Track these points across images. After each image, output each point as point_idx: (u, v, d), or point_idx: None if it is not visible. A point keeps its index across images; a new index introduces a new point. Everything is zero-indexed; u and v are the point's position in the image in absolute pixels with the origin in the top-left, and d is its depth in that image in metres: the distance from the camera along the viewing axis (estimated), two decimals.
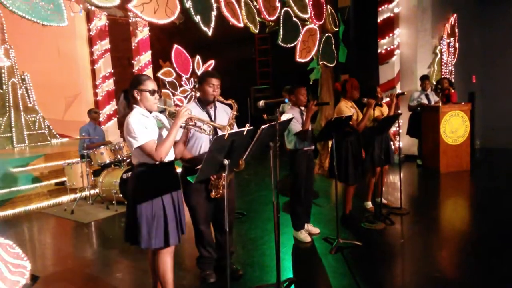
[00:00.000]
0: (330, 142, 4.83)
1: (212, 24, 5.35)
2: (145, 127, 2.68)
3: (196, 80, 8.86)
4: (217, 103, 3.45)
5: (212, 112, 3.41)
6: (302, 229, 4.44)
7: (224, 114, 3.42)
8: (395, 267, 3.90)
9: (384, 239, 4.45)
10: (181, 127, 2.83)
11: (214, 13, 5.35)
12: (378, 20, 8.77)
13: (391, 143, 5.45)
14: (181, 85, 10.17)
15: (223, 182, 3.15)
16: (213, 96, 3.29)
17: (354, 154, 4.66)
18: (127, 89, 2.82)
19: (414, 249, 4.19)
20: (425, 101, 7.78)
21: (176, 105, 9.22)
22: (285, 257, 3.98)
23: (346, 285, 3.42)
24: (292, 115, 4.06)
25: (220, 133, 3.24)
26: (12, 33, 8.80)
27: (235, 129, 3.34)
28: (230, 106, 3.26)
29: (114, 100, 9.96)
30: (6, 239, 3.71)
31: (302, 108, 4.34)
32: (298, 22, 6.88)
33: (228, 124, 3.14)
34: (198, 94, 3.49)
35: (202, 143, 3.30)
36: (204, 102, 3.38)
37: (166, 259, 2.87)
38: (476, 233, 4.58)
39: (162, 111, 3.22)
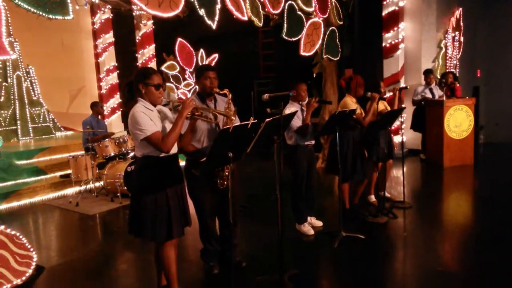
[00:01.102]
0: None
1: (216, 18, 5.34)
2: (150, 119, 2.70)
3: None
4: (217, 96, 3.47)
5: (212, 105, 3.43)
6: (305, 222, 4.47)
7: (224, 105, 3.44)
8: (397, 260, 3.92)
9: (387, 233, 4.47)
10: (187, 118, 2.85)
11: (218, 6, 5.34)
12: (383, 14, 8.73)
13: (392, 138, 5.46)
14: (184, 79, 10.19)
15: (226, 173, 3.19)
16: (211, 88, 3.33)
17: (354, 151, 4.67)
18: (132, 81, 2.83)
19: (416, 243, 4.21)
20: (429, 95, 7.76)
21: (180, 99, 9.23)
22: (288, 250, 4.00)
23: (349, 278, 3.45)
24: (296, 109, 4.07)
25: (222, 122, 3.28)
26: (17, 26, 8.81)
27: (237, 119, 3.36)
28: (226, 95, 3.29)
29: (118, 93, 9.99)
30: (12, 230, 3.75)
31: (302, 103, 4.34)
32: (302, 15, 6.86)
33: (231, 109, 3.17)
34: (197, 88, 3.52)
35: (206, 136, 3.32)
36: (204, 96, 3.41)
37: (170, 251, 2.90)
38: (479, 227, 4.59)
39: (166, 104, 3.24)
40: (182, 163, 3.18)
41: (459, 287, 3.26)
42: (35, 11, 3.78)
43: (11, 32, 8.79)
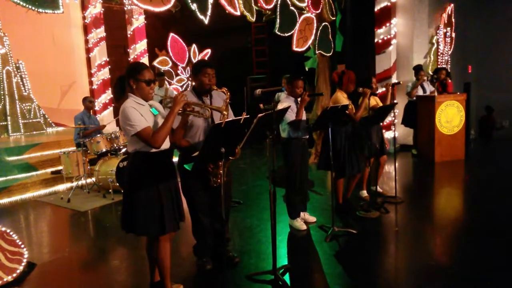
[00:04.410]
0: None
1: (209, 12, 5.32)
2: (140, 114, 2.68)
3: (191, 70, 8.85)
4: (213, 93, 3.46)
5: (208, 101, 3.42)
6: (298, 217, 4.48)
7: (220, 102, 3.43)
8: (389, 255, 3.95)
9: (379, 228, 4.50)
10: (178, 113, 2.84)
11: (210, 1, 5.32)
12: (375, 9, 8.74)
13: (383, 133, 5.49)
14: (177, 74, 10.15)
15: (220, 171, 3.17)
16: (209, 85, 3.31)
17: (348, 145, 4.69)
18: (123, 76, 2.81)
19: (408, 238, 4.24)
20: (420, 91, 7.80)
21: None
22: (281, 245, 4.01)
23: (341, 272, 3.47)
24: (288, 104, 4.08)
25: (216, 117, 3.27)
26: (7, 20, 8.70)
27: (231, 113, 3.35)
28: (224, 93, 3.28)
29: (110, 88, 9.92)
30: (3, 227, 3.72)
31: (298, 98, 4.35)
32: (295, 11, 6.85)
33: (225, 105, 3.16)
34: (193, 84, 3.50)
35: (201, 132, 3.31)
36: (200, 92, 3.39)
37: (165, 246, 2.90)
38: (470, 221, 4.64)
39: (160, 101, 3.23)
40: (176, 158, 3.18)
41: (451, 280, 3.29)
42: (24, 4, 3.74)
43: (1, 27, 8.68)
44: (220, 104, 3.33)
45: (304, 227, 4.41)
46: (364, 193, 5.42)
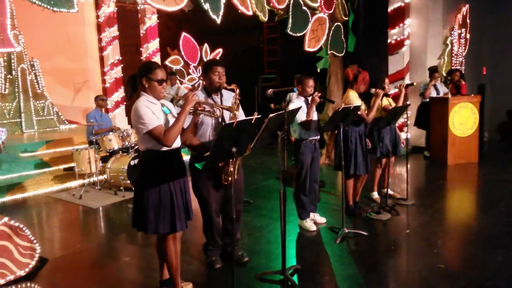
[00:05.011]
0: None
1: (221, 12, 5.33)
2: (152, 112, 2.70)
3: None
4: (223, 91, 3.46)
5: (218, 100, 3.42)
6: (308, 218, 4.46)
7: (231, 101, 3.43)
8: (399, 257, 3.92)
9: (390, 230, 4.46)
10: (190, 113, 2.85)
11: (223, 1, 5.32)
12: (389, 10, 8.67)
13: (399, 134, 5.43)
14: (188, 73, 10.18)
15: (231, 169, 3.18)
16: (219, 83, 3.32)
17: (361, 146, 4.66)
18: (135, 75, 2.83)
19: (419, 240, 4.20)
20: (434, 92, 7.72)
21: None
22: (290, 245, 4.01)
23: (350, 274, 3.45)
24: (300, 105, 4.07)
25: (227, 116, 3.27)
26: (22, 18, 8.81)
27: (241, 111, 3.35)
28: (233, 91, 3.27)
29: (122, 87, 9.99)
30: (16, 222, 3.77)
31: (309, 98, 4.33)
32: (307, 11, 6.83)
33: (235, 104, 3.16)
34: (204, 83, 3.50)
35: (210, 130, 3.32)
36: (211, 90, 3.40)
37: (172, 245, 2.91)
38: (482, 225, 4.57)
39: (170, 100, 3.25)
40: (187, 158, 3.19)
41: (462, 284, 3.25)
42: (40, 3, 3.78)
43: (16, 25, 8.80)
44: (230, 103, 3.34)
45: (314, 227, 4.40)
46: (375, 194, 5.38)
